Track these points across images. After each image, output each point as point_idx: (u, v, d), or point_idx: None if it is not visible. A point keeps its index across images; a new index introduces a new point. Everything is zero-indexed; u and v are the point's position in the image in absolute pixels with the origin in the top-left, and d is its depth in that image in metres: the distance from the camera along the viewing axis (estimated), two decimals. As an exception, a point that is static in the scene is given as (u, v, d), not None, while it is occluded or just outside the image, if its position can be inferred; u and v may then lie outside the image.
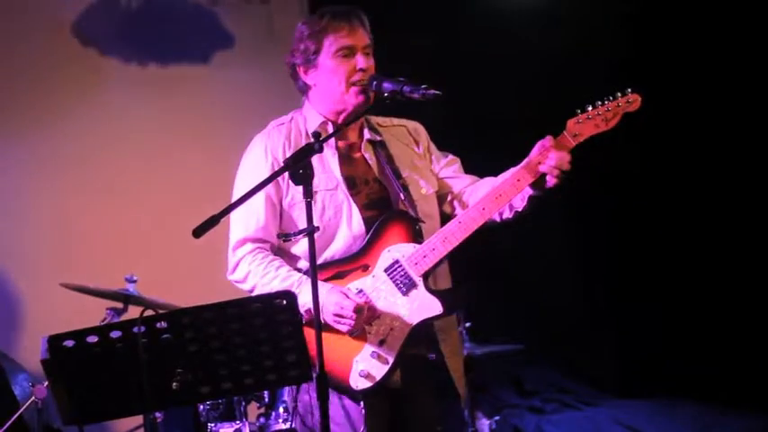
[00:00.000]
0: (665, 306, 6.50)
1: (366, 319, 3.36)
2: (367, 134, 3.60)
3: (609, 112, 3.40)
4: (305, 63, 3.55)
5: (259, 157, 3.54)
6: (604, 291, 6.74)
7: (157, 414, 4.42)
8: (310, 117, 3.59)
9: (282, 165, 3.33)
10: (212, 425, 4.44)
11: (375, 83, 3.41)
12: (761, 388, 6.05)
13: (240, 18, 6.32)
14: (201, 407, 4.45)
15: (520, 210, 3.52)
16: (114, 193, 5.89)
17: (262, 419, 4.41)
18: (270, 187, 3.42)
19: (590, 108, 3.41)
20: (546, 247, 6.58)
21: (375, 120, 3.69)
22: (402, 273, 3.40)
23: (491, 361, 5.60)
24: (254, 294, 3.44)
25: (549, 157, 3.35)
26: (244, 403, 4.50)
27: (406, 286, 3.39)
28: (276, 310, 2.85)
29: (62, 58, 5.89)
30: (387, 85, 3.38)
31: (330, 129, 3.52)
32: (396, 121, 3.74)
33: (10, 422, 4.42)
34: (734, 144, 6.23)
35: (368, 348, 3.35)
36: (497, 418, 5.73)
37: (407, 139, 3.70)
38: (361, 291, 3.41)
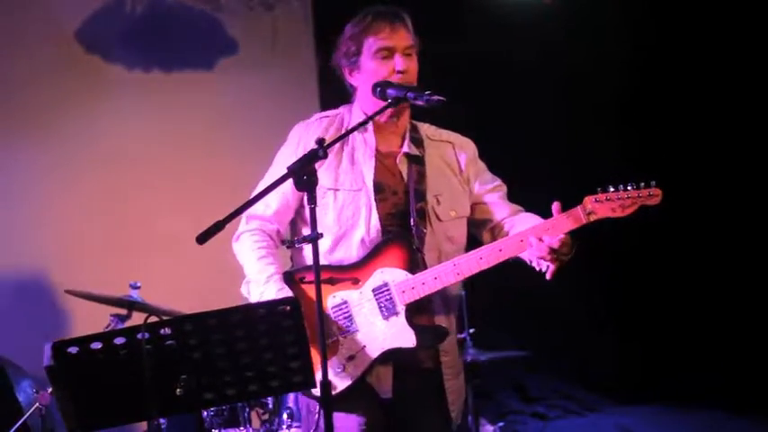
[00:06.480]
0: (669, 312, 6.50)
1: (341, 331, 3.37)
2: (405, 147, 3.55)
3: (628, 200, 3.33)
4: (349, 65, 3.52)
5: (291, 147, 3.54)
6: (608, 297, 6.74)
7: (161, 420, 4.42)
8: (355, 115, 3.57)
9: (287, 170, 3.36)
10: (216, 431, 4.44)
11: (379, 89, 3.40)
12: (765, 393, 6.05)
13: (244, 25, 6.32)
14: (205, 413, 4.45)
15: (544, 270, 3.43)
16: (118, 199, 5.89)
17: (266, 426, 4.42)
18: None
19: (611, 189, 3.32)
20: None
21: (425, 131, 3.63)
22: (388, 297, 3.37)
23: (495, 367, 5.59)
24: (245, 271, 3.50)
25: (533, 243, 3.30)
26: (248, 409, 4.51)
27: (388, 311, 3.37)
28: (280, 317, 2.85)
29: (66, 65, 5.89)
30: (391, 91, 3.37)
31: (370, 127, 3.50)
32: (445, 135, 3.67)
33: (14, 428, 4.43)
34: (736, 151, 6.25)
35: (336, 359, 3.34)
36: (501, 424, 5.73)
37: (450, 158, 3.62)
38: (345, 302, 3.39)
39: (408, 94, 3.31)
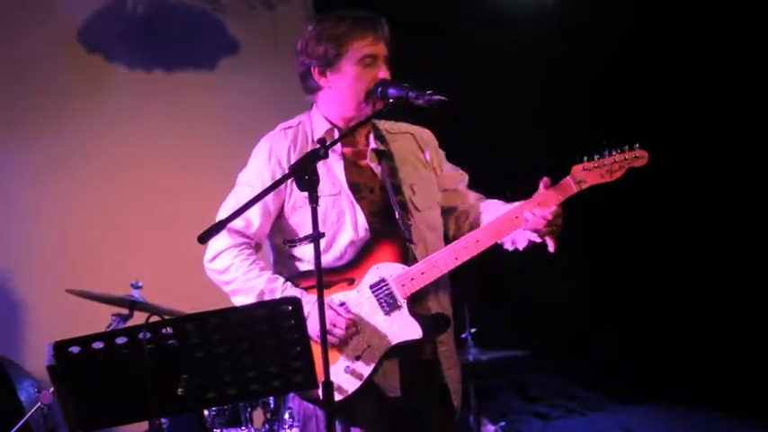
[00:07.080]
0: (670, 312, 6.49)
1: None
2: (372, 143, 3.57)
3: (615, 164, 3.39)
4: (323, 65, 3.49)
5: (263, 160, 3.53)
6: (610, 297, 6.74)
7: (163, 420, 4.42)
8: (317, 123, 3.56)
9: (287, 170, 3.33)
10: (218, 431, 4.44)
11: (380, 89, 3.40)
12: (765, 393, 6.04)
13: (245, 24, 6.33)
14: (207, 413, 4.45)
15: (521, 248, 3.53)
16: (119, 198, 5.90)
17: (267, 425, 4.42)
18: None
19: (597, 157, 3.38)
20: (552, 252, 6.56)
21: (383, 126, 3.65)
22: (387, 292, 3.38)
23: (496, 367, 5.59)
24: (230, 287, 3.46)
25: (528, 218, 3.36)
26: (249, 409, 4.51)
27: (390, 306, 3.38)
28: (282, 317, 2.85)
29: (67, 65, 5.90)
30: (392, 91, 3.36)
31: (336, 135, 3.49)
32: (404, 127, 3.70)
33: (16, 428, 4.43)
34: (735, 145, 6.24)
35: (342, 362, 3.34)
36: (503, 423, 5.73)
37: (413, 148, 3.65)
38: (343, 303, 3.39)
39: (409, 93, 3.31)
